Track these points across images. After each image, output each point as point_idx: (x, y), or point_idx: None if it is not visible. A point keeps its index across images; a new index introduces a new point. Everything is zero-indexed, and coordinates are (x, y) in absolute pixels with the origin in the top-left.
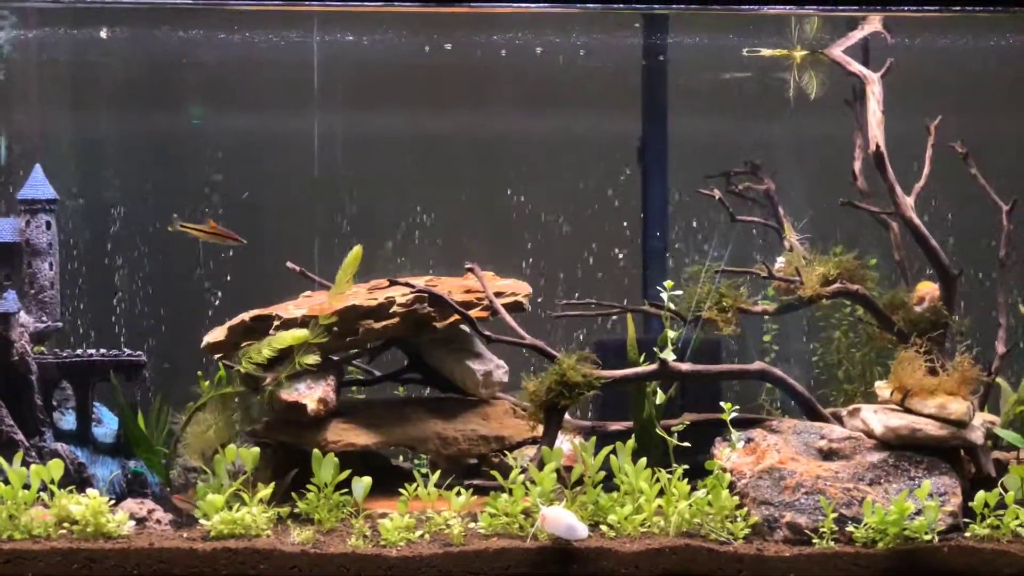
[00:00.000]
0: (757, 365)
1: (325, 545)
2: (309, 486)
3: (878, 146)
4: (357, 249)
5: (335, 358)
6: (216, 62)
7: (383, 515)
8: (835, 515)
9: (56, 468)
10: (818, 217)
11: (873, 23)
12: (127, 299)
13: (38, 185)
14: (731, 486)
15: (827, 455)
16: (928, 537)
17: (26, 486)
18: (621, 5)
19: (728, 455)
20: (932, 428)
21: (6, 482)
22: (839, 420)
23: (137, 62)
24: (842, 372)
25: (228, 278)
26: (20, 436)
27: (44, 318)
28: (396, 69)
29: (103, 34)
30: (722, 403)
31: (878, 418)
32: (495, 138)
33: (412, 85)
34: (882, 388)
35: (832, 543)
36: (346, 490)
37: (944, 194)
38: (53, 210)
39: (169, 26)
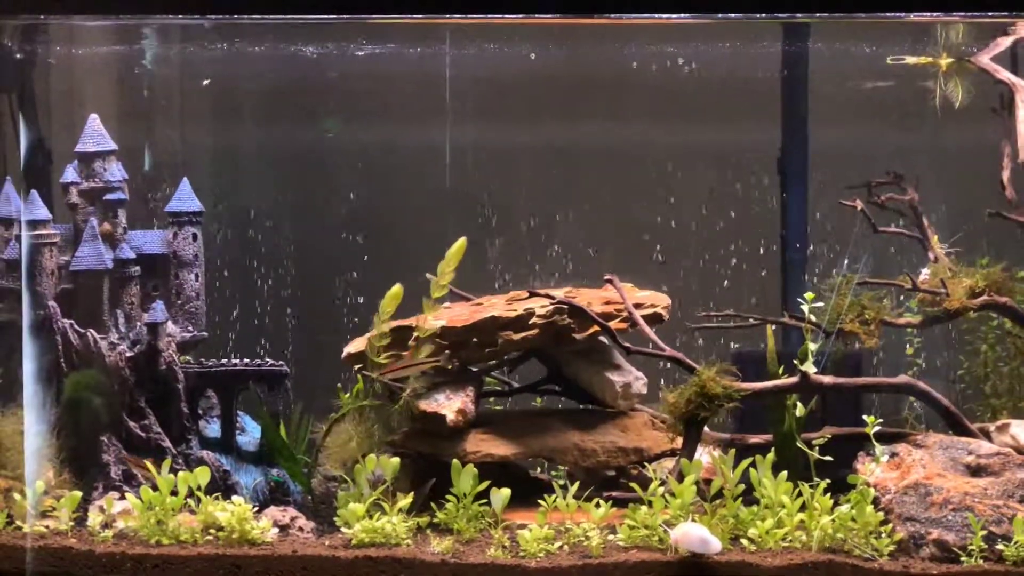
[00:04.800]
0: (902, 378)
1: (464, 555)
2: (448, 496)
3: None
4: (461, 241)
5: (474, 369)
6: (350, 75)
7: (522, 526)
8: (984, 533)
9: (203, 475)
10: (964, 228)
11: (1022, 29)
12: (269, 310)
13: (185, 198)
14: (875, 501)
15: (975, 471)
16: None
17: (174, 492)
18: (763, 15)
19: (872, 469)
20: None
21: (155, 488)
22: (987, 435)
23: (275, 76)
24: (989, 386)
25: (367, 289)
26: (167, 443)
27: (190, 328)
28: (528, 80)
29: (240, 49)
30: (865, 417)
31: None
32: (633, 149)
33: (545, 96)
34: None
35: (981, 561)
36: (484, 501)
37: None
38: (199, 222)
39: (305, 41)
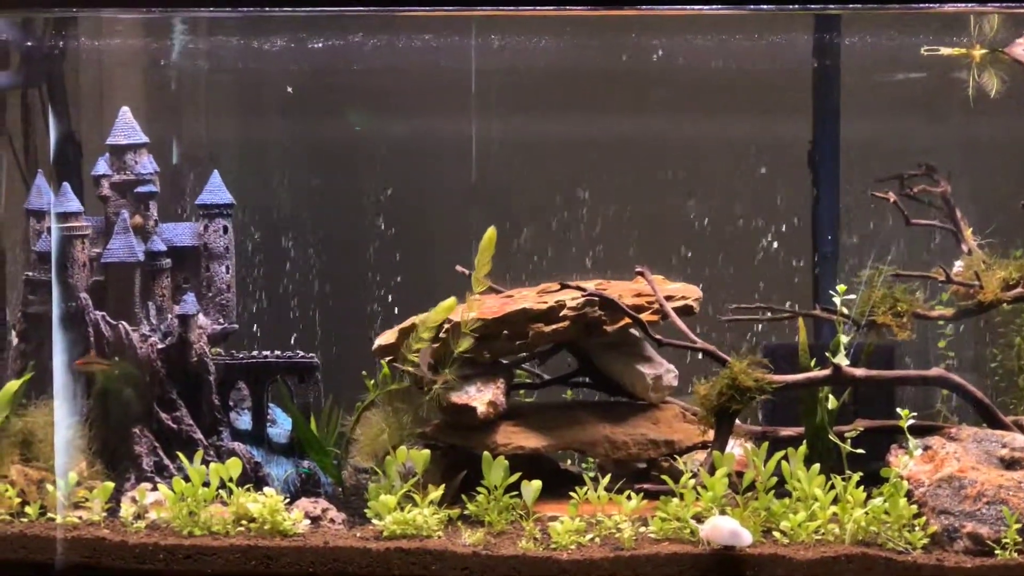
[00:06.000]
0: (935, 371)
1: (496, 547)
2: (479, 488)
3: None
4: (491, 231)
5: (505, 361)
6: (377, 68)
7: (553, 518)
8: (1019, 526)
9: (234, 467)
10: (998, 220)
11: None
12: (298, 302)
13: (216, 190)
14: (908, 494)
15: (1009, 464)
16: None
17: (205, 484)
18: (795, 6)
19: (905, 462)
20: None
21: (187, 479)
22: (1021, 428)
23: (300, 70)
24: (1023, 379)
25: (395, 282)
26: (199, 435)
27: (221, 320)
28: (556, 73)
29: (268, 44)
30: (898, 409)
31: None
32: (660, 142)
33: (573, 89)
34: None
35: (1015, 554)
36: (515, 493)
37: None
38: (230, 215)
39: (329, 33)
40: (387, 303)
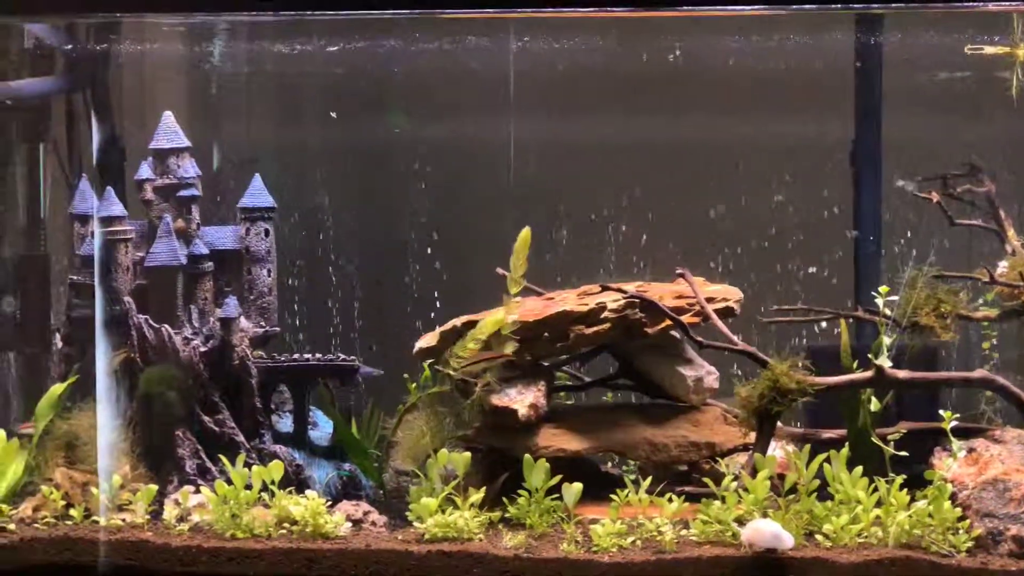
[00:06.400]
0: (979, 373)
1: (537, 550)
2: (520, 491)
3: None
4: (525, 232)
5: (546, 364)
6: (415, 70)
7: (594, 521)
8: None
9: (276, 469)
10: None
11: None
12: (339, 305)
13: (257, 194)
14: (952, 497)
15: None
16: None
17: (248, 486)
18: (838, 6)
19: (949, 465)
20: None
21: (229, 482)
22: None
23: (340, 73)
24: None
25: (433, 285)
26: (241, 438)
27: (263, 323)
28: (593, 74)
29: (308, 47)
30: (941, 411)
31: None
32: (700, 143)
33: (610, 91)
34: None
35: None
36: (556, 495)
37: None
38: (271, 218)
39: (369, 37)
40: (428, 305)
